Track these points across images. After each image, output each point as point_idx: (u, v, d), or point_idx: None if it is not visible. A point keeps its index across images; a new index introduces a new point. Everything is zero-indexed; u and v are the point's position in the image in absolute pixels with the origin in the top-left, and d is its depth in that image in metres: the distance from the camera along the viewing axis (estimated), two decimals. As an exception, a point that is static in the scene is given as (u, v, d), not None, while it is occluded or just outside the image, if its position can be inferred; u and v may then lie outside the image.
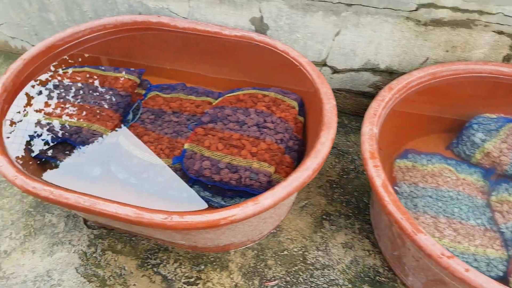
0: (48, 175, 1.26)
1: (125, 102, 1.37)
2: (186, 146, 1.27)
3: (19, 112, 1.32)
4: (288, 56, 1.38)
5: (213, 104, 1.41)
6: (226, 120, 1.31)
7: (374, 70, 1.51)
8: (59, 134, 1.29)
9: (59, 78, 1.43)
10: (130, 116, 1.38)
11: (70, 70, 1.46)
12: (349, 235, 1.35)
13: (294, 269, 1.27)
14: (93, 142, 1.28)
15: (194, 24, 1.49)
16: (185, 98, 1.45)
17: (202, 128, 1.31)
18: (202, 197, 1.24)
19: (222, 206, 1.23)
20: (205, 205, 1.24)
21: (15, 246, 1.34)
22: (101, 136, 1.28)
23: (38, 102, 1.36)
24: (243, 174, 1.17)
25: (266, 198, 1.02)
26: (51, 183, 1.11)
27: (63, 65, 1.47)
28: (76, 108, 1.33)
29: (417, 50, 1.41)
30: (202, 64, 1.57)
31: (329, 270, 1.26)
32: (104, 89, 1.39)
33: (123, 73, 1.45)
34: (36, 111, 1.34)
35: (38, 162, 1.28)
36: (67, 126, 1.29)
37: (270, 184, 1.18)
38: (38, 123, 1.32)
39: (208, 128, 1.30)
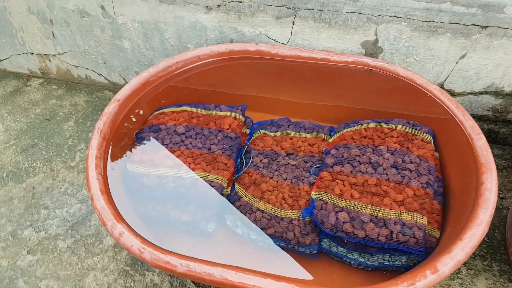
0: (157, 233, 1.11)
1: (236, 146, 1.20)
2: (313, 194, 1.11)
3: (120, 163, 1.16)
4: (413, 83, 1.23)
5: (331, 141, 1.26)
6: (354, 161, 1.16)
7: (497, 93, 1.36)
8: (171, 188, 1.12)
9: (158, 119, 1.26)
10: (241, 161, 1.21)
11: (168, 110, 1.29)
12: (489, 279, 1.20)
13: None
14: (209, 194, 1.11)
15: (297, 51, 1.32)
16: (295, 136, 1.29)
17: (328, 172, 1.15)
18: (335, 253, 1.09)
19: (359, 264, 1.08)
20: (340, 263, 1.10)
21: (118, 313, 1.18)
22: (219, 187, 1.11)
23: (140, 150, 1.19)
24: (393, 228, 1.02)
25: (445, 264, 0.87)
26: (182, 255, 0.95)
27: (158, 104, 1.30)
28: (185, 155, 1.16)
29: (552, 72, 1.27)
30: (303, 93, 1.41)
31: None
32: (211, 131, 1.22)
33: (227, 111, 1.28)
34: (139, 161, 1.17)
35: (143, 216, 1.12)
36: (180, 177, 1.12)
37: (424, 239, 1.03)
38: (144, 175, 1.14)
39: (334, 171, 1.15)
